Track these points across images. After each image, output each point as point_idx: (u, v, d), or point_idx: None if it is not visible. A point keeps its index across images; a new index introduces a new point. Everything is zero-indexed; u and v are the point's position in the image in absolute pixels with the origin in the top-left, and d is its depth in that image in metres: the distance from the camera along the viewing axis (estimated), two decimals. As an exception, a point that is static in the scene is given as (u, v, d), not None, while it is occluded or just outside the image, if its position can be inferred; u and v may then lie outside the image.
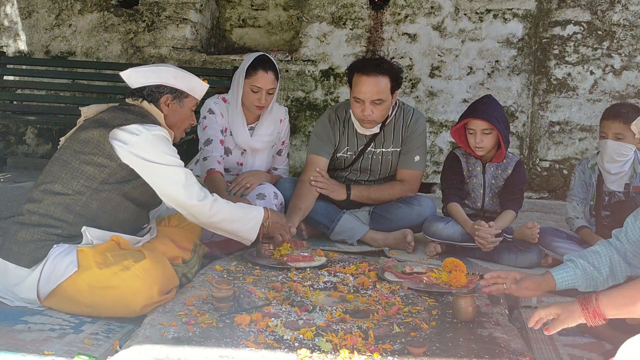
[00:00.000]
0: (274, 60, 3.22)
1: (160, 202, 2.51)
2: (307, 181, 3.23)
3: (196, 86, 2.50)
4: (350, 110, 3.26)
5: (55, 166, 2.26)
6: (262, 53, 3.27)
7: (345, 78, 3.29)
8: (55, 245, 2.16)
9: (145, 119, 2.33)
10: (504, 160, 3.18)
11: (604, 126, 3.04)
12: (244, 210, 2.57)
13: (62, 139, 2.36)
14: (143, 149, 2.25)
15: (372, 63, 3.15)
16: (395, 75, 3.14)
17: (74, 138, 2.30)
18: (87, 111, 2.39)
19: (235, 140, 3.26)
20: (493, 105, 3.10)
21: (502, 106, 3.22)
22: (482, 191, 3.19)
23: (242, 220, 2.53)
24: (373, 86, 3.07)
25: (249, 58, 3.19)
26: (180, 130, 2.52)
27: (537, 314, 1.83)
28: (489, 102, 3.13)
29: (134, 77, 2.44)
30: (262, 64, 3.15)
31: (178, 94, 2.45)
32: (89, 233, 2.20)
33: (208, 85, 2.55)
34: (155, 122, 2.36)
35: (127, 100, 2.44)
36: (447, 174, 3.28)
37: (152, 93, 2.41)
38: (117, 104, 2.44)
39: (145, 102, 2.41)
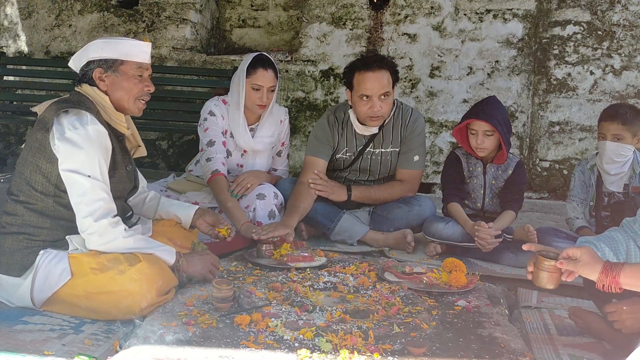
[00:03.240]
0: (271, 59, 3.22)
1: (133, 187, 2.44)
2: (306, 183, 3.22)
3: (131, 49, 2.27)
4: (349, 111, 3.27)
5: (16, 177, 2.23)
6: (259, 52, 3.28)
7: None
8: (42, 251, 2.14)
9: (80, 105, 2.19)
10: (506, 161, 3.18)
11: (603, 127, 3.04)
12: (149, 243, 2.26)
13: (24, 145, 2.28)
14: (63, 152, 2.13)
15: (372, 59, 3.18)
16: (393, 68, 3.19)
17: (26, 142, 2.24)
18: (40, 109, 2.28)
19: (237, 142, 3.26)
20: (496, 107, 3.11)
21: (505, 108, 3.23)
22: (482, 192, 3.19)
23: (147, 250, 2.21)
24: (379, 81, 3.09)
25: (247, 58, 3.20)
26: (132, 100, 2.31)
27: (568, 250, 1.84)
28: (492, 104, 3.13)
29: (73, 62, 2.32)
30: (261, 62, 3.16)
31: (110, 64, 2.25)
32: (75, 241, 2.17)
33: (149, 43, 2.34)
34: (90, 108, 2.21)
35: (75, 88, 2.32)
36: (448, 174, 3.28)
37: (85, 73, 2.27)
38: (66, 96, 2.32)
39: (86, 85, 2.28)
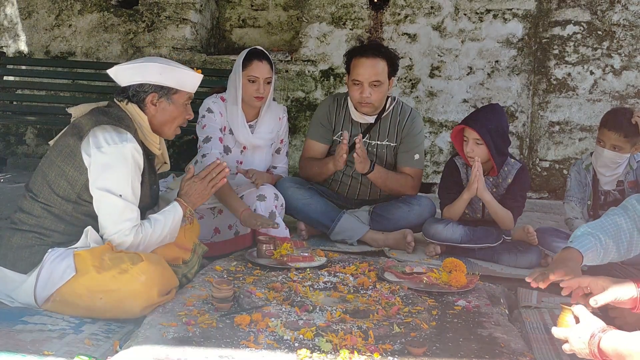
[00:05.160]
0: (266, 52, 3.25)
1: (153, 203, 2.47)
2: (312, 158, 3.39)
3: (186, 79, 2.34)
4: (348, 97, 3.31)
5: (38, 177, 2.23)
6: (254, 47, 3.30)
7: (344, 77, 3.34)
8: (50, 250, 2.15)
9: (120, 122, 2.22)
10: (505, 169, 3.11)
11: (603, 134, 3.01)
12: (164, 222, 2.31)
13: (52, 142, 2.30)
14: (97, 165, 2.15)
15: (370, 47, 3.25)
16: (392, 60, 3.21)
17: (56, 144, 2.26)
18: (75, 112, 2.30)
19: (236, 138, 3.26)
20: (492, 116, 3.00)
21: (505, 118, 3.09)
22: (481, 204, 3.14)
23: (164, 231, 2.31)
24: (371, 68, 3.14)
25: (242, 53, 3.22)
26: (172, 127, 2.39)
27: (582, 281, 1.76)
28: (489, 112, 3.03)
29: (121, 74, 2.32)
30: (255, 55, 3.19)
31: (165, 91, 2.30)
32: (90, 234, 2.17)
33: (202, 76, 2.40)
34: (129, 126, 2.24)
35: (115, 99, 2.34)
36: (446, 184, 3.24)
37: (137, 93, 2.29)
38: (104, 103, 2.34)
39: (130, 103, 2.29)
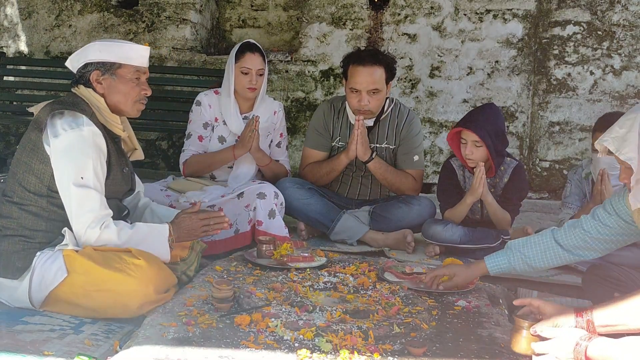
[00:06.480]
0: (258, 45, 3.30)
1: (129, 189, 2.45)
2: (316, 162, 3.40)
3: (129, 53, 2.28)
4: (346, 102, 3.31)
5: (10, 178, 2.23)
6: (247, 40, 3.36)
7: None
8: (38, 253, 2.14)
9: (75, 107, 2.20)
10: (502, 168, 3.10)
11: (597, 139, 2.98)
12: (147, 233, 2.26)
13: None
14: (56, 153, 2.13)
15: (367, 54, 3.23)
16: (389, 65, 3.21)
17: (21, 142, 2.25)
18: (36, 109, 2.28)
19: (229, 127, 3.31)
20: (490, 118, 2.96)
21: (502, 118, 3.06)
22: (479, 204, 3.15)
23: (145, 242, 2.23)
24: (369, 76, 3.14)
25: (235, 46, 3.28)
26: (127, 104, 2.31)
27: (529, 300, 1.92)
28: (485, 113, 2.99)
29: (70, 64, 2.32)
30: (248, 47, 3.25)
31: (107, 67, 2.26)
32: (68, 235, 2.15)
33: (148, 48, 2.35)
34: (85, 110, 2.21)
35: (71, 89, 2.33)
36: (444, 187, 3.23)
37: (82, 75, 2.28)
38: (62, 97, 2.33)
39: (84, 87, 2.28)
